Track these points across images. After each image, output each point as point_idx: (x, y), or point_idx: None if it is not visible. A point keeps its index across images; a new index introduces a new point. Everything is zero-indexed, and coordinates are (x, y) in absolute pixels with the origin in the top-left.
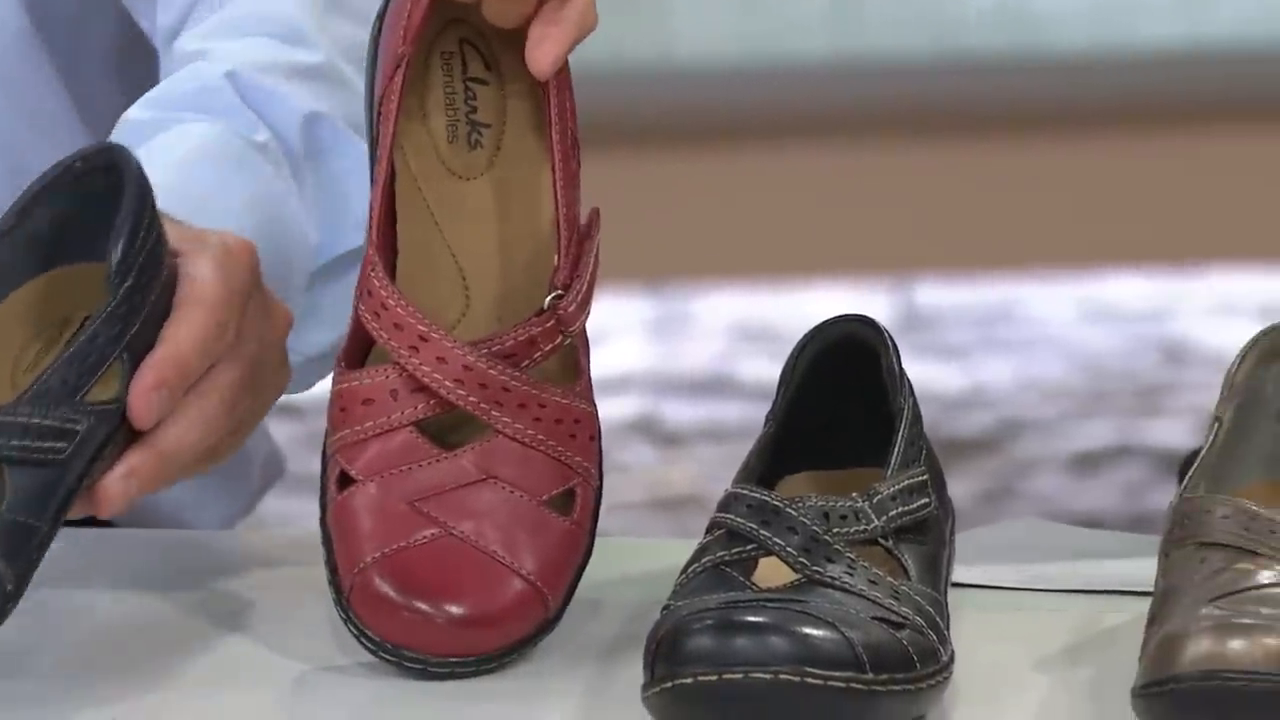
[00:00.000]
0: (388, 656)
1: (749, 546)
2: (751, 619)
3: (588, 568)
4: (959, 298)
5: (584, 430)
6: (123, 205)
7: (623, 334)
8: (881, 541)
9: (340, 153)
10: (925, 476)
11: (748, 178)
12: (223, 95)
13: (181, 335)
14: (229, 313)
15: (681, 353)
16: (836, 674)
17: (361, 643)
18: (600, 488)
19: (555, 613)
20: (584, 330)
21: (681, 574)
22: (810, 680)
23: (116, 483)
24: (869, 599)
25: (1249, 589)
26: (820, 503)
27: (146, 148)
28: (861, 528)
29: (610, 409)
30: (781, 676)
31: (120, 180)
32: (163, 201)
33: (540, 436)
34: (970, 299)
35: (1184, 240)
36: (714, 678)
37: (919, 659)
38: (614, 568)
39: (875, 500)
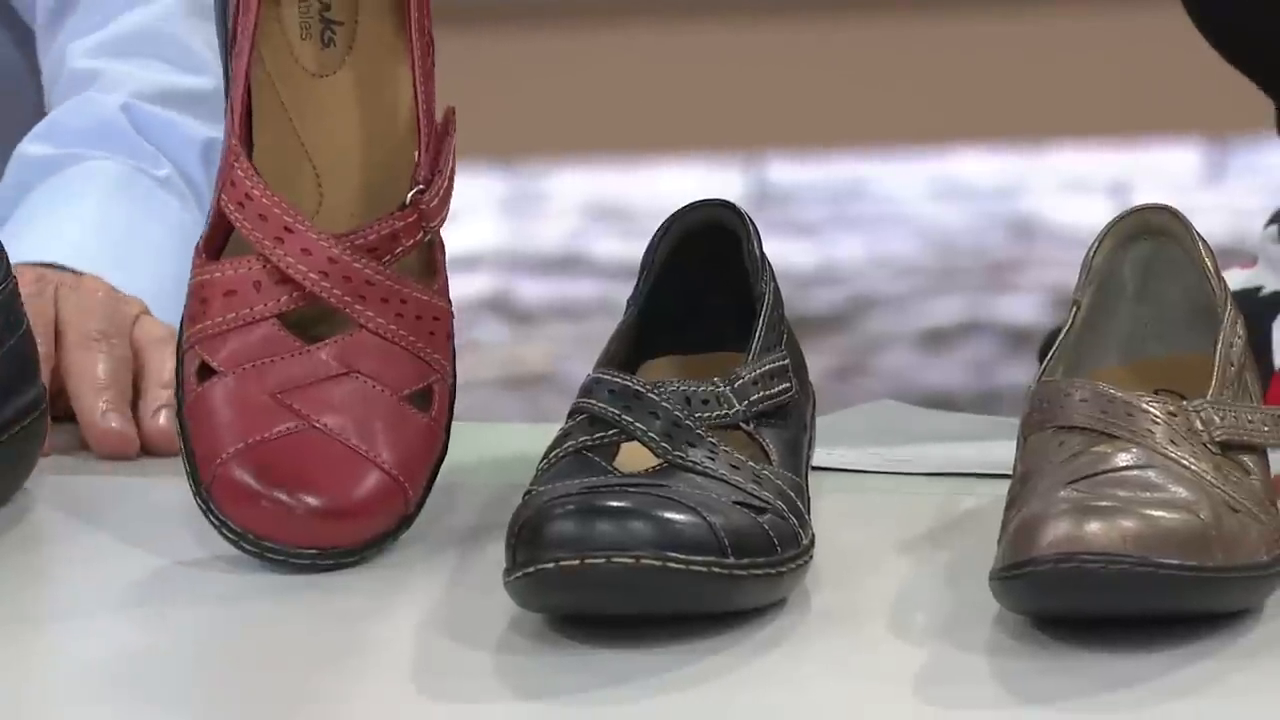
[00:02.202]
0: (249, 547)
1: (610, 431)
2: (613, 504)
3: (453, 454)
4: (811, 175)
5: (442, 328)
6: None
7: (475, 212)
8: (743, 426)
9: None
10: (786, 361)
11: (601, 55)
12: (120, 130)
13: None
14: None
15: (534, 230)
16: (698, 558)
17: (222, 533)
18: (454, 386)
19: (415, 507)
20: (440, 228)
21: (543, 459)
22: (672, 565)
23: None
24: (730, 484)
25: (1106, 472)
26: (682, 387)
27: (49, 185)
28: (723, 412)
29: (463, 287)
30: (643, 561)
31: None
32: (81, 241)
33: (402, 332)
34: (822, 176)
35: (1033, 118)
36: (575, 562)
37: (780, 543)
38: (471, 453)
39: (737, 385)
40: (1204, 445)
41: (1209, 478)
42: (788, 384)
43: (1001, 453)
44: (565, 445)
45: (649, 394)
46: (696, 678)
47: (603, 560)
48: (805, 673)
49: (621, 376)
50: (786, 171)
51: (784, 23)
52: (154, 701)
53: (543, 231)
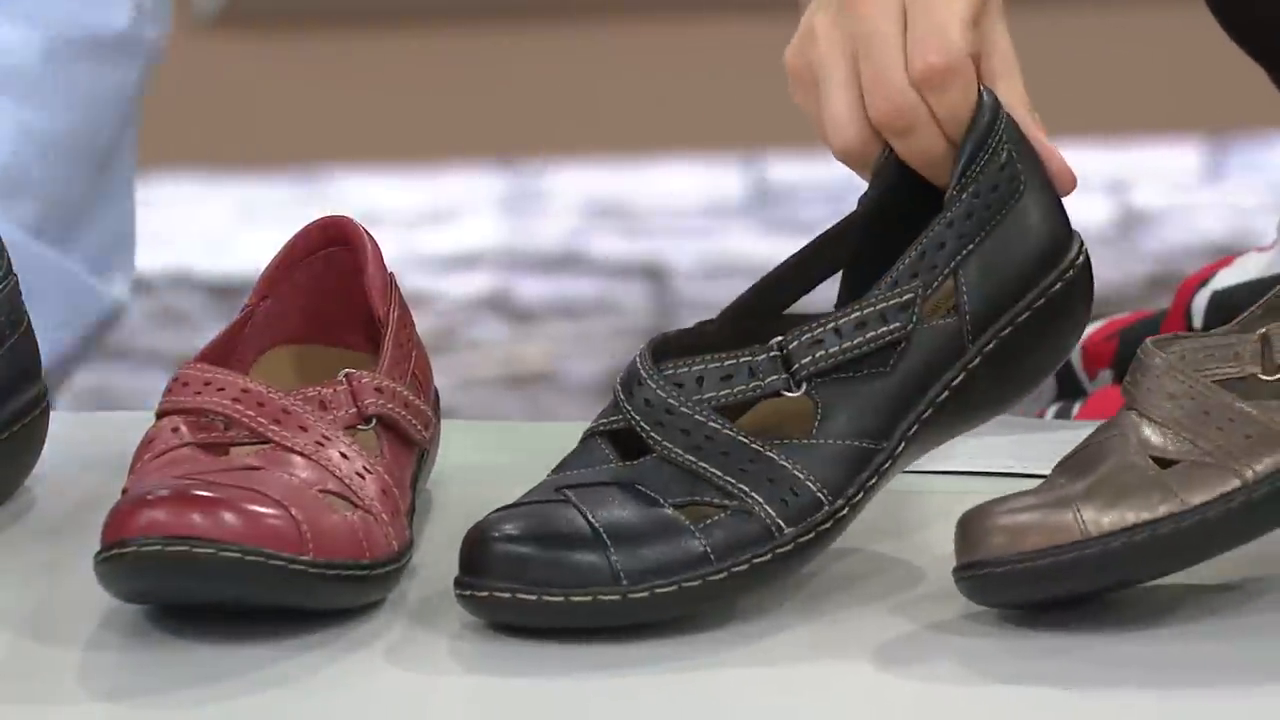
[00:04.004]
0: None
1: (616, 418)
2: (561, 529)
3: (452, 453)
4: (810, 173)
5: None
6: None
7: (474, 210)
8: (785, 393)
9: None
10: (911, 295)
11: (600, 53)
12: None
13: None
14: None
15: (534, 229)
16: (583, 593)
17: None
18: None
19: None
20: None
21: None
22: (549, 598)
23: None
24: (706, 478)
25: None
26: (697, 368)
27: None
28: (755, 383)
29: (462, 285)
30: (545, 599)
31: None
32: None
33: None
34: (822, 174)
35: None
36: (485, 595)
37: (715, 552)
38: (471, 451)
39: (791, 347)
40: None
41: None
42: (897, 324)
43: (997, 450)
44: (590, 426)
45: (648, 380)
46: (685, 669)
47: (534, 597)
48: (799, 665)
49: (644, 358)
50: (786, 170)
51: (783, 21)
52: (152, 701)
53: (542, 230)
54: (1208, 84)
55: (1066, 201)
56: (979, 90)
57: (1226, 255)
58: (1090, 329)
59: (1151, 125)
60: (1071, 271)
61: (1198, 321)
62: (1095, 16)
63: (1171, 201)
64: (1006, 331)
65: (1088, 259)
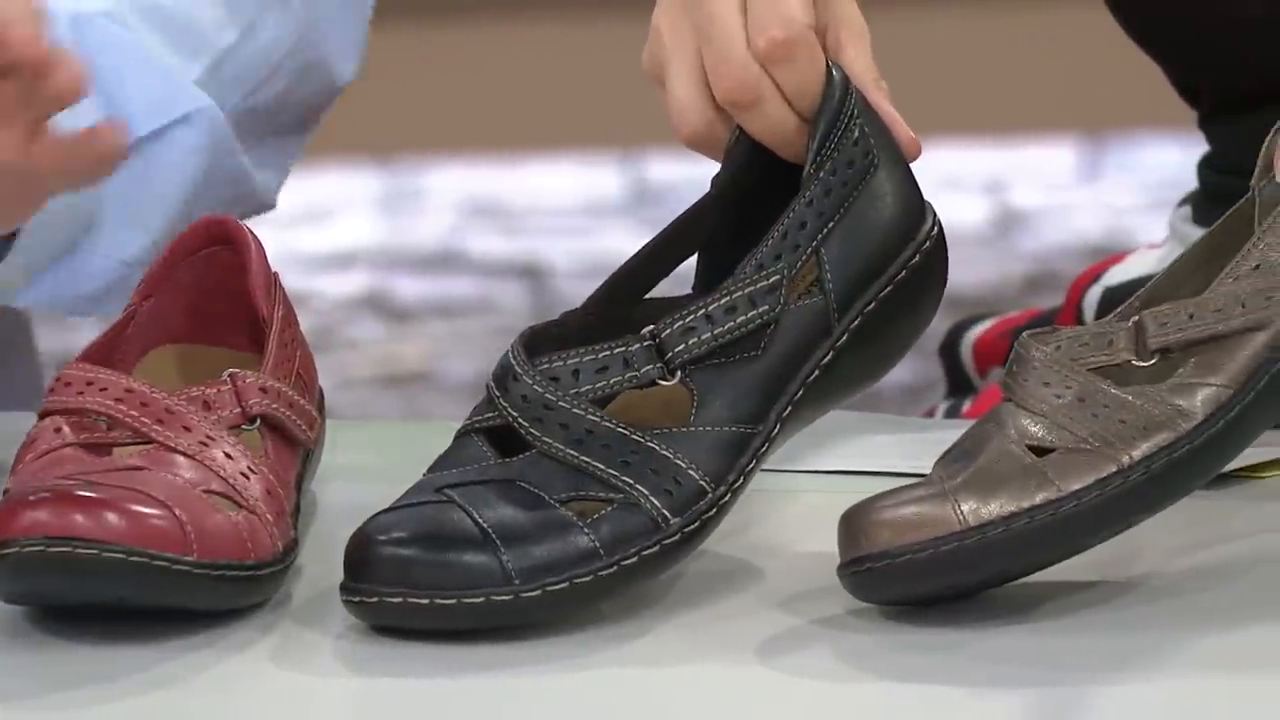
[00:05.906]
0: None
1: (491, 415)
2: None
3: (335, 453)
4: (689, 172)
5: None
6: None
7: (352, 209)
8: (661, 383)
9: (110, 49)
10: (776, 277)
11: (479, 51)
12: None
13: None
14: None
15: (411, 228)
16: (477, 594)
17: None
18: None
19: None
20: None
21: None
22: (468, 601)
23: None
24: (589, 472)
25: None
26: (575, 360)
27: None
28: (630, 374)
29: (339, 285)
30: (436, 602)
31: None
32: None
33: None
34: (701, 173)
35: (908, 115)
36: (397, 600)
37: (604, 547)
38: (346, 451)
39: (664, 335)
40: None
41: None
42: (765, 306)
43: (884, 449)
44: (464, 423)
45: (524, 375)
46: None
47: (426, 601)
48: (687, 662)
49: (517, 353)
50: (664, 169)
51: None
52: (34, 703)
53: (419, 229)
54: (1084, 84)
55: (944, 201)
56: (827, 66)
57: (1103, 254)
58: (981, 328)
59: (1028, 125)
60: (929, 243)
61: (1090, 318)
62: (972, 16)
63: (1048, 201)
64: (871, 307)
65: (942, 229)
